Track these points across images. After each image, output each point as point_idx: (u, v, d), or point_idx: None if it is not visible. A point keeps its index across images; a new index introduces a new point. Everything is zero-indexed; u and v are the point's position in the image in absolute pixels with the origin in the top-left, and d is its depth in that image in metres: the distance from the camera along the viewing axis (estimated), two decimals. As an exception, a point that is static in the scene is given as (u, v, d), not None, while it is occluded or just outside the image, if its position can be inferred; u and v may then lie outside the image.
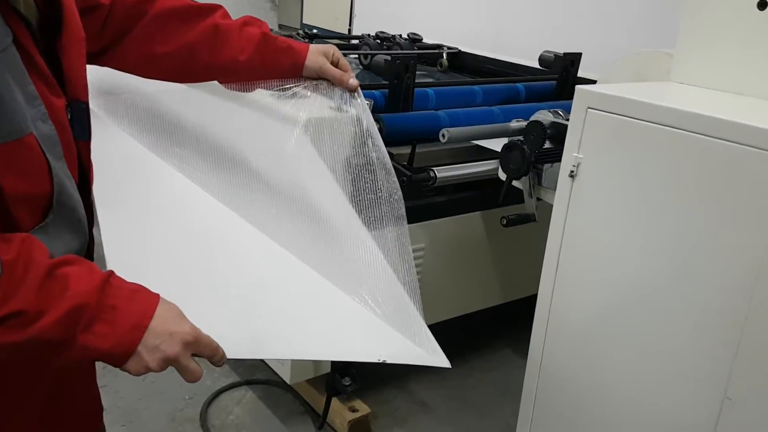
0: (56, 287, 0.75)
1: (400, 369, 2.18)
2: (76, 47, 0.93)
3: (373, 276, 1.06)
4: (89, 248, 0.98)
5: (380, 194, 1.10)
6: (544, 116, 1.42)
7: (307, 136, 1.17)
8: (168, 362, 0.79)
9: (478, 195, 1.96)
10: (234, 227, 1.12)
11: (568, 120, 1.43)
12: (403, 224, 1.10)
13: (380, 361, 0.95)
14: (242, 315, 0.98)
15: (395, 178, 1.12)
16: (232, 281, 1.03)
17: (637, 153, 1.12)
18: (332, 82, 1.17)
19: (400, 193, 1.11)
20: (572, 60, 2.21)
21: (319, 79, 1.17)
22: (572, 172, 1.19)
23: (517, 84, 2.19)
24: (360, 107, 1.16)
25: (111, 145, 1.14)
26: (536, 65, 2.35)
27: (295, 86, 1.16)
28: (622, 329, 1.20)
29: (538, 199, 1.47)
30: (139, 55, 1.12)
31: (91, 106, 0.98)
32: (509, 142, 1.40)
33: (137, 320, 0.78)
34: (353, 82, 1.17)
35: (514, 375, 2.19)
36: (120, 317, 0.77)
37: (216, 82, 1.20)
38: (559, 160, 1.40)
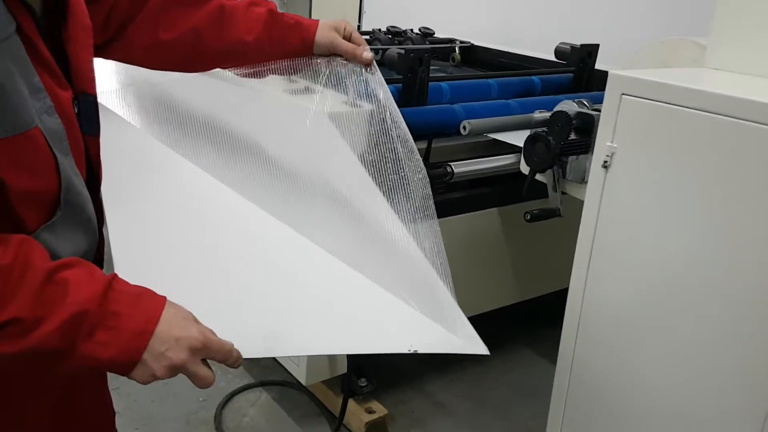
0: (56, 293, 0.69)
1: (417, 369, 2.11)
2: (82, 37, 0.87)
3: (399, 259, 0.96)
4: (99, 248, 0.93)
5: (403, 173, 1.01)
6: (569, 106, 1.35)
7: (324, 114, 1.08)
8: (175, 369, 0.73)
9: (495, 191, 1.89)
10: (250, 217, 1.04)
11: (594, 110, 1.36)
12: (430, 204, 1.01)
13: (411, 352, 0.86)
14: (259, 310, 0.90)
15: (418, 156, 1.03)
16: (249, 275, 0.95)
17: (677, 141, 1.04)
18: (345, 57, 1.09)
19: (424, 171, 1.02)
20: (589, 51, 2.13)
21: (331, 55, 1.09)
22: (606, 162, 1.12)
23: (533, 77, 2.12)
24: (377, 82, 1.07)
25: (120, 139, 1.08)
26: (550, 58, 2.26)
27: (308, 63, 1.07)
28: (660, 327, 1.12)
29: (563, 192, 1.40)
30: (145, 43, 1.05)
31: (98, 99, 0.93)
32: (533, 134, 1.33)
33: (142, 326, 0.71)
34: (367, 54, 1.09)
35: (533, 375, 2.12)
36: (123, 324, 0.70)
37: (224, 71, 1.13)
38: (586, 152, 1.33)
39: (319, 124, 1.08)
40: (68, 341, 0.68)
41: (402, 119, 1.05)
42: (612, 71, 1.12)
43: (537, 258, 2.03)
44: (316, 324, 0.90)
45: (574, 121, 1.30)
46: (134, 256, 0.92)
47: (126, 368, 0.72)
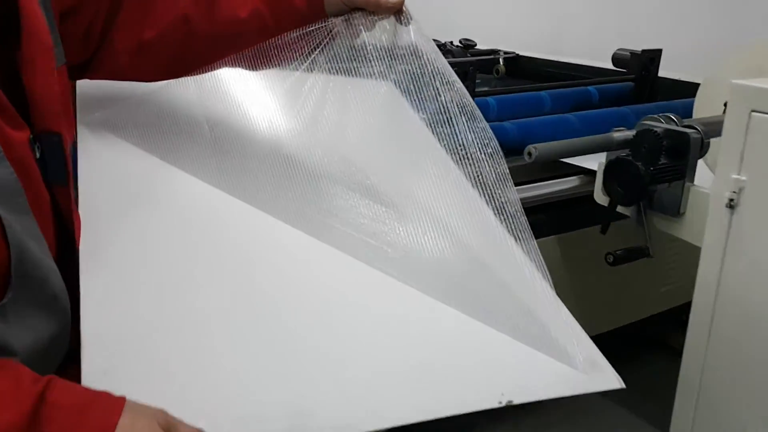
0: None
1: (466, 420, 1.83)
2: (42, 61, 0.65)
3: (470, 248, 0.70)
4: (75, 332, 0.69)
5: (466, 150, 0.75)
6: (655, 123, 1.07)
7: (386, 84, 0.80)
8: None
9: (552, 217, 1.62)
10: (277, 244, 0.79)
11: (685, 127, 1.08)
12: (508, 184, 0.73)
13: (503, 405, 0.59)
14: (278, 379, 0.62)
15: (484, 124, 0.75)
16: (272, 327, 0.68)
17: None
18: (367, 10, 0.81)
19: (495, 142, 0.74)
20: (652, 58, 1.85)
21: (349, 12, 0.82)
22: (731, 201, 0.84)
23: (589, 87, 1.84)
24: (416, 34, 0.79)
25: (111, 175, 0.84)
26: (600, 65, 1.99)
27: (322, 30, 0.81)
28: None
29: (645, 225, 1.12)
30: (130, 48, 0.82)
31: (83, 127, 0.75)
32: (617, 158, 1.05)
33: None
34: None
35: (602, 426, 1.81)
36: None
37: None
38: (679, 179, 1.05)
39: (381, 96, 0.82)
40: None
41: (456, 78, 0.78)
42: (737, 81, 0.83)
43: (602, 290, 1.74)
44: (354, 386, 0.62)
45: (664, 142, 1.03)
46: (112, 324, 0.67)
47: None
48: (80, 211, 0.76)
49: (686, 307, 1.85)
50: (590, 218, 1.60)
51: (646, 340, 1.96)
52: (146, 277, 0.72)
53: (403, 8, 0.81)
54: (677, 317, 1.92)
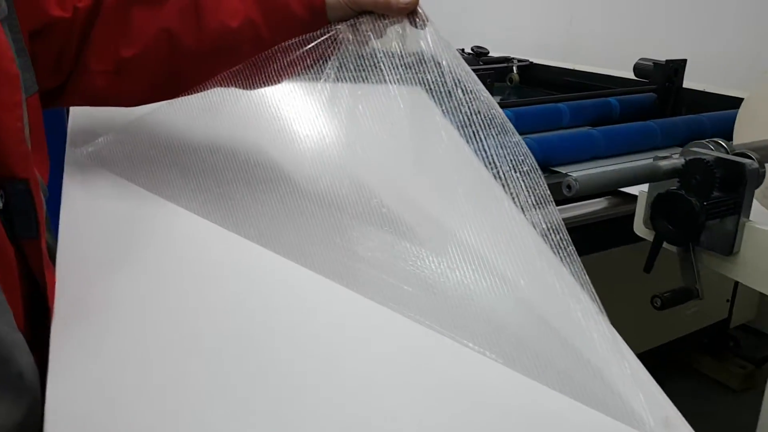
0: None
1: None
2: (4, 93, 0.53)
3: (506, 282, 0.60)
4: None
5: (498, 169, 0.64)
6: (704, 150, 0.94)
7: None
8: None
9: (576, 238, 1.50)
10: (292, 301, 0.67)
11: (738, 155, 0.95)
12: (550, 207, 0.63)
13: None
14: None
15: (517, 138, 0.64)
16: (281, 405, 0.56)
17: None
18: (376, 13, 0.68)
19: (531, 159, 0.63)
20: (676, 68, 1.72)
21: (355, 17, 0.70)
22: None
23: (609, 98, 1.72)
24: (432, 38, 0.68)
25: (95, 220, 0.71)
26: (618, 74, 1.88)
27: (326, 41, 0.69)
28: None
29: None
30: (107, 69, 0.69)
31: (70, 163, 0.68)
32: (668, 192, 0.92)
33: None
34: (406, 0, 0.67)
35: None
36: None
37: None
38: (734, 213, 0.93)
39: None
40: None
41: (482, 86, 0.66)
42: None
43: (627, 314, 1.61)
44: None
45: (717, 172, 0.90)
46: (83, 406, 0.54)
47: None
48: (57, 265, 0.63)
49: (711, 330, 1.77)
50: (615, 239, 1.48)
51: (671, 363, 1.85)
52: (129, 348, 0.59)
53: (418, 9, 0.68)
54: (702, 340, 1.80)
